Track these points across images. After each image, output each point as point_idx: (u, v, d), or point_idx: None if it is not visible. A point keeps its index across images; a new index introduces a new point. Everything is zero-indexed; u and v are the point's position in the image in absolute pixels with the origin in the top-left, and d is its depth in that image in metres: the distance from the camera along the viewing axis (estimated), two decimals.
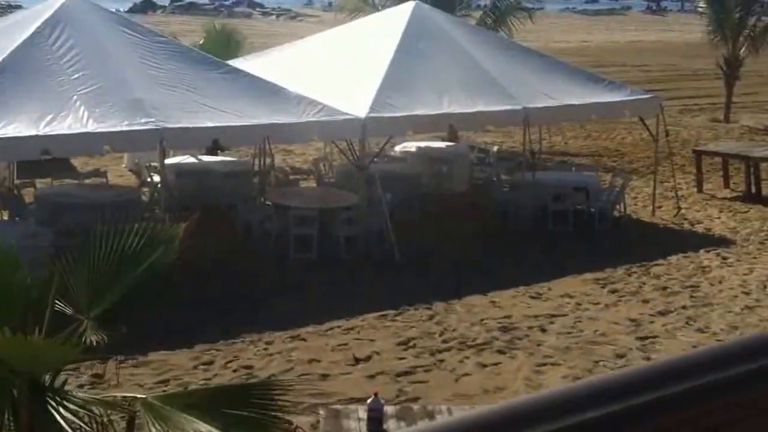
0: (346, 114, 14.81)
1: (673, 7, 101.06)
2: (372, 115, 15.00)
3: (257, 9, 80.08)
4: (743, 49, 31.37)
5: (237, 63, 17.03)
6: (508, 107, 16.45)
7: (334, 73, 16.60)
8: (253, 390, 6.00)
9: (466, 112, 16.07)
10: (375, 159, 16.34)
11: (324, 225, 15.16)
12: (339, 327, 12.24)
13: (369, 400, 8.23)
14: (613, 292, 14.15)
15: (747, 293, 14.09)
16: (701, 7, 32.24)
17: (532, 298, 13.79)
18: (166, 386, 10.39)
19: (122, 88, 13.57)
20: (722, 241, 16.90)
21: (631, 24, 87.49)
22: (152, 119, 12.88)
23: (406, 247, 15.47)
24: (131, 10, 66.89)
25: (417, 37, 17.39)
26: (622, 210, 18.43)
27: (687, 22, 79.92)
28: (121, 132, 12.91)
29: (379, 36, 17.70)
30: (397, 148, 20.34)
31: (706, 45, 32.63)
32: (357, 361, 11.28)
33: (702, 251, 16.20)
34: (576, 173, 19.13)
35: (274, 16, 73.60)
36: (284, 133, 14.36)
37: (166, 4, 77.56)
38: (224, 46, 20.89)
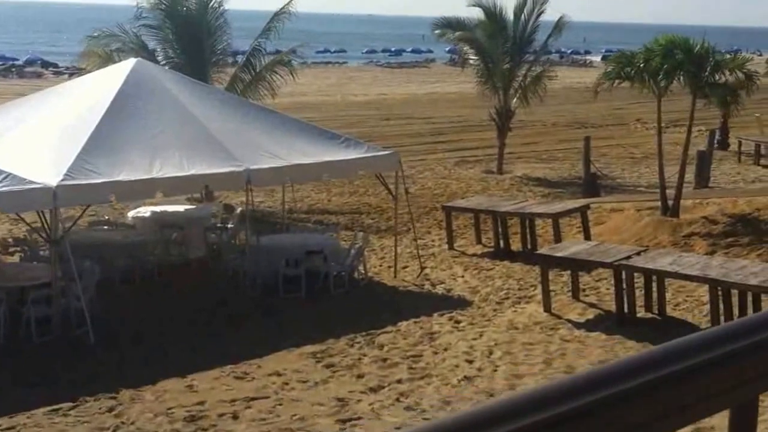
0: (34, 183, 13.36)
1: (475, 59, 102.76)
2: (65, 182, 13.59)
3: (50, 68, 77.10)
4: (515, 99, 31.32)
5: None
6: (229, 169, 15.30)
7: (34, 138, 15.17)
8: None
9: (179, 175, 14.83)
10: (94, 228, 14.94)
11: (16, 305, 13.67)
12: None
13: None
14: (329, 366, 13.07)
15: (470, 361, 13.21)
16: (472, 59, 32.08)
17: (237, 378, 12.58)
18: None
19: None
20: (460, 303, 16.12)
21: (433, 76, 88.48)
22: None
23: (114, 325, 14.18)
24: None
25: (134, 96, 16.14)
26: (364, 272, 17.57)
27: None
28: None
29: (92, 95, 16.36)
30: (131, 214, 19.02)
31: (485, 96, 32.47)
32: None
33: (436, 315, 15.36)
34: (312, 235, 18.10)
35: (66, 75, 70.93)
36: None
37: None
38: None
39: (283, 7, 24.72)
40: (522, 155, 35.99)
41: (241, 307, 15.46)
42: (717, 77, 18.48)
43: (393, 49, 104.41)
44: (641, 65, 18.70)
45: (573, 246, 15.59)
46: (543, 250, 15.67)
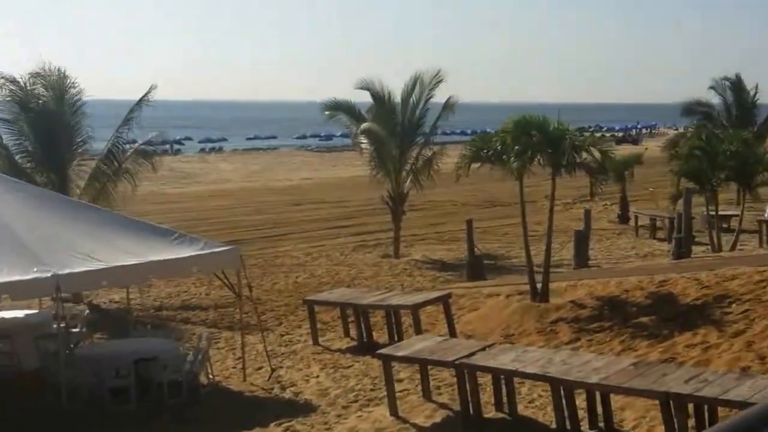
0: None
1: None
2: None
3: None
4: (408, 182, 30.57)
5: None
6: (34, 275, 13.83)
7: None
8: None
9: None
10: None
11: None
12: None
13: None
14: None
15: None
16: (363, 143, 31.31)
17: None
18: None
19: None
20: (304, 409, 14.72)
21: (360, 159, 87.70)
22: None
23: None
24: None
25: None
26: (210, 377, 16.18)
27: None
28: None
29: None
30: None
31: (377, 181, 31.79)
32: None
33: (273, 425, 13.94)
34: (148, 339, 16.65)
35: None
36: None
37: None
38: None
39: (143, 96, 23.68)
40: (425, 237, 35.03)
41: (63, 425, 13.99)
42: (577, 156, 17.54)
43: (322, 133, 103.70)
44: (499, 147, 17.80)
45: (418, 343, 14.31)
46: (384, 350, 14.37)
